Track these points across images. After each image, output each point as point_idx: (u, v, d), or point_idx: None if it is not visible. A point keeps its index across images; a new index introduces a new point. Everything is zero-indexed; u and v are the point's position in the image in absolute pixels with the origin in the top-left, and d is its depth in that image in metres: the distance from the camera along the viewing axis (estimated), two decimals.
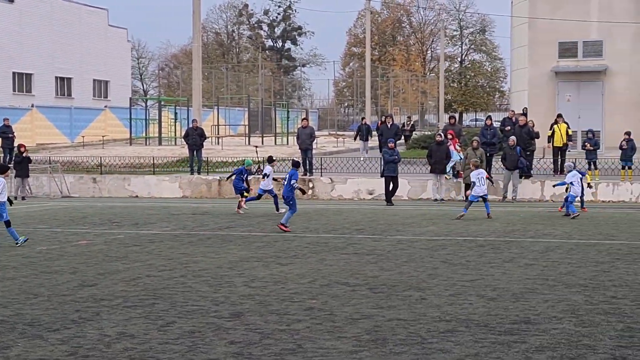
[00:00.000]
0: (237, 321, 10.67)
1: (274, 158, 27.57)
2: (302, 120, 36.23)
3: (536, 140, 31.92)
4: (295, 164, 22.58)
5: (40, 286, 13.33)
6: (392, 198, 28.73)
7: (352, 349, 9.25)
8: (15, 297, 12.44)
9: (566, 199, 24.64)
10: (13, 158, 34.88)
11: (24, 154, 33.16)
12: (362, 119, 47.31)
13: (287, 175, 21.62)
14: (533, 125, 32.15)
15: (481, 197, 24.21)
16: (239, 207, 26.23)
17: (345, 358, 8.89)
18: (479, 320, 10.66)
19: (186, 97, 61.84)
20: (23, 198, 32.89)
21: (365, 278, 13.89)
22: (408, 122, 41.75)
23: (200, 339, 9.71)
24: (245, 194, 26.68)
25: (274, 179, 26.56)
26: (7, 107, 54.59)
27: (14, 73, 62.68)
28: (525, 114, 32.27)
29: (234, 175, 27.26)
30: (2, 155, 37.87)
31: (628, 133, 31.12)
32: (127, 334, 9.98)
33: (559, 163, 32.60)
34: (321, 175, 33.02)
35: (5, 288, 13.16)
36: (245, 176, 27.06)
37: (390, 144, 28.95)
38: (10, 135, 37.94)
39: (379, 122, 43.90)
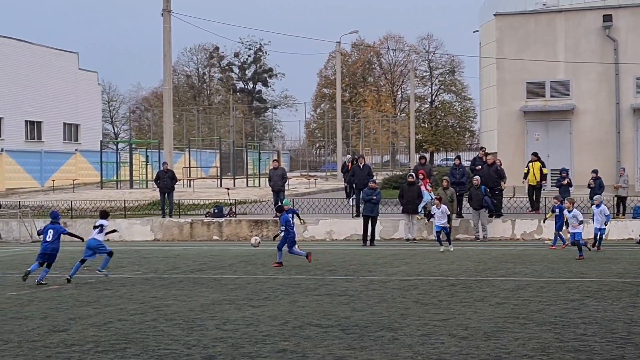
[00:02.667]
0: None
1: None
2: (273, 161, 36.28)
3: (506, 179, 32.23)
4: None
5: (10, 332, 13.23)
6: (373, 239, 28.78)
7: None
8: None
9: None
10: None
11: None
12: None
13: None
14: (500, 164, 32.48)
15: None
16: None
17: None
18: None
19: (157, 140, 61.84)
20: None
21: (337, 319, 13.91)
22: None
23: None
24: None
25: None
26: None
27: None
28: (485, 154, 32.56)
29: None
30: None
31: (595, 171, 31.42)
32: None
33: (533, 201, 33.01)
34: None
35: None
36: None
37: (372, 184, 29.05)
38: None
39: (349, 163, 43.11)
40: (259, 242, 24.11)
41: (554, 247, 25.66)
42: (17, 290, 18.66)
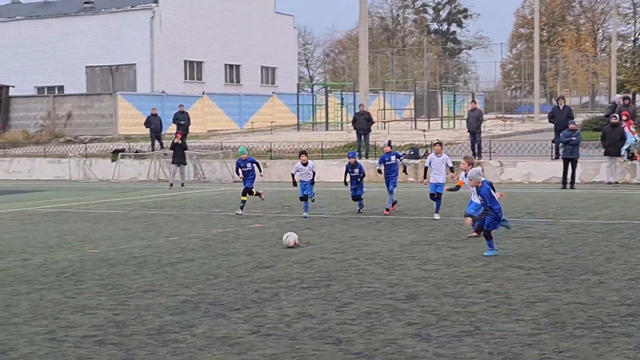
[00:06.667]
0: (413, 303, 10.71)
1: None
2: (471, 102, 35.83)
3: None
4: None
5: (219, 267, 13.76)
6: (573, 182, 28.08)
7: (530, 332, 9.13)
8: (196, 277, 12.89)
9: None
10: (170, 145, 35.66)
11: (177, 142, 33.40)
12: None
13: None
14: None
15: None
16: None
17: (525, 340, 8.79)
18: None
19: (352, 82, 62.28)
20: (182, 185, 33.19)
21: (539, 261, 13.68)
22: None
23: (377, 320, 9.80)
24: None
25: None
26: (180, 95, 56.58)
27: (185, 61, 64.86)
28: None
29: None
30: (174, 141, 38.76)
31: None
32: (306, 314, 10.18)
33: None
34: (490, 159, 32.61)
35: (186, 269, 13.66)
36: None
37: (572, 125, 28.23)
38: (182, 122, 39.08)
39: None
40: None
41: None
42: (223, 227, 19.38)
